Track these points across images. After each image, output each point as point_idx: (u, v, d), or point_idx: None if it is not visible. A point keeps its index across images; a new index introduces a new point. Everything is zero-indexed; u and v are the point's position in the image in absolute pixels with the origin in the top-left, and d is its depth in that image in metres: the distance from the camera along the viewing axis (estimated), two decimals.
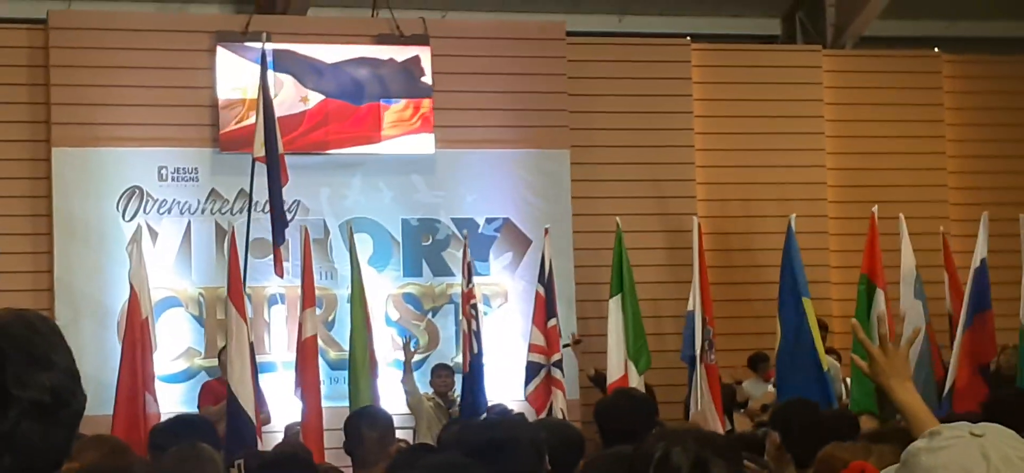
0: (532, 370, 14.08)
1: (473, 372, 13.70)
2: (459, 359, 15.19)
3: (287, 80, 15.09)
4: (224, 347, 13.76)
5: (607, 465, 4.25)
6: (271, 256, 13.36)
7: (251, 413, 11.53)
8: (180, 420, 7.02)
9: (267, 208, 13.09)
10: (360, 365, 12.44)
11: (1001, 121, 17.56)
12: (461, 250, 15.44)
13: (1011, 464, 2.53)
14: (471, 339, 13.76)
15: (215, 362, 14.64)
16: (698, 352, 13.43)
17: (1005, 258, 14.82)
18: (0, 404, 1.94)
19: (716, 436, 3.17)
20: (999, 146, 17.46)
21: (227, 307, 12.15)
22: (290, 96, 15.09)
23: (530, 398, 13.93)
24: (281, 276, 13.04)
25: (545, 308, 14.03)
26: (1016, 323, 13.53)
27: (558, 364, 14.00)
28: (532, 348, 14.12)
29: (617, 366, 13.88)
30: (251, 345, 11.96)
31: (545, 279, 14.15)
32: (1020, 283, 13.58)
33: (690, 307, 13.86)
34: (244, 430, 11.32)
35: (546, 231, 14.38)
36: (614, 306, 14.09)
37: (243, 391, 11.59)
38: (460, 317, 13.94)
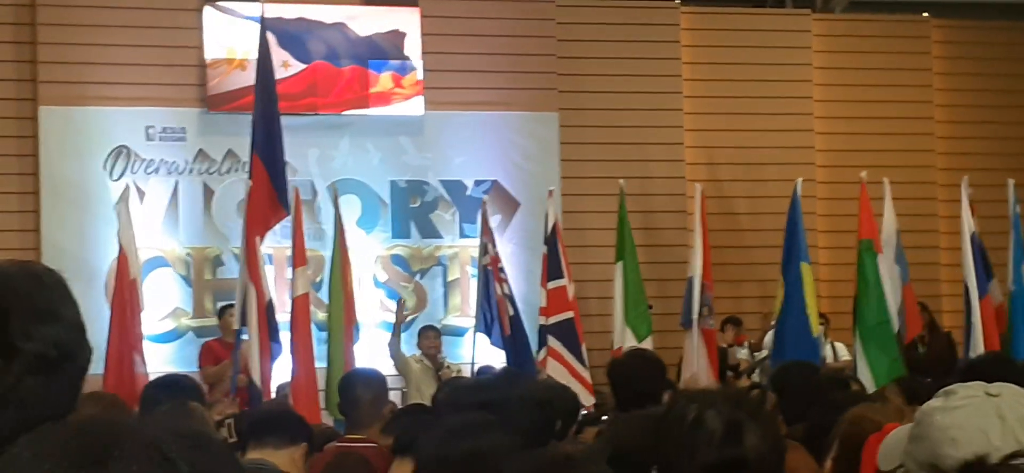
0: (541, 336, 13.88)
1: (514, 334, 13.56)
2: (448, 321, 15.19)
3: (275, 41, 14.99)
4: (225, 307, 13.74)
5: (629, 428, 4.24)
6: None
7: (256, 377, 11.50)
8: (168, 379, 7.02)
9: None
10: (336, 328, 12.40)
11: (989, 86, 17.56)
12: (450, 212, 15.43)
13: None
14: (506, 303, 13.63)
15: (203, 322, 14.63)
16: (695, 317, 13.40)
17: (993, 223, 14.83)
18: (5, 357, 1.92)
19: (747, 397, 3.14)
20: (987, 112, 17.47)
21: (241, 271, 12.03)
22: (277, 59, 14.99)
23: (541, 363, 13.68)
24: (260, 242, 12.82)
25: (547, 269, 13.89)
26: (1004, 289, 13.55)
27: (557, 328, 13.73)
28: (541, 311, 13.92)
29: (620, 333, 13.82)
30: (264, 308, 11.83)
31: (548, 240, 13.99)
32: (1008, 248, 13.61)
33: (691, 272, 13.81)
34: (255, 393, 11.32)
35: (550, 193, 14.26)
36: (618, 271, 14.02)
37: (253, 359, 11.56)
38: (492, 282, 13.73)
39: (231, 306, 13.44)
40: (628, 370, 6.59)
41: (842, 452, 3.38)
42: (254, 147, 12.32)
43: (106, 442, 1.43)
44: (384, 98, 15.37)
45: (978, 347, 12.71)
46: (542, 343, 13.71)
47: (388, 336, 13.94)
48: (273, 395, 12.42)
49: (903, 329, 13.23)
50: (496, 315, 13.74)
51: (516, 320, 13.68)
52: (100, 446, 1.42)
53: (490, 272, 13.78)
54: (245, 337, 11.94)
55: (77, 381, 2.01)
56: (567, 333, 13.66)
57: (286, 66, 15.08)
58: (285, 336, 12.32)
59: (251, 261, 11.80)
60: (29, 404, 1.92)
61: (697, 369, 13.09)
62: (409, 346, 14.20)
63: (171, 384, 6.84)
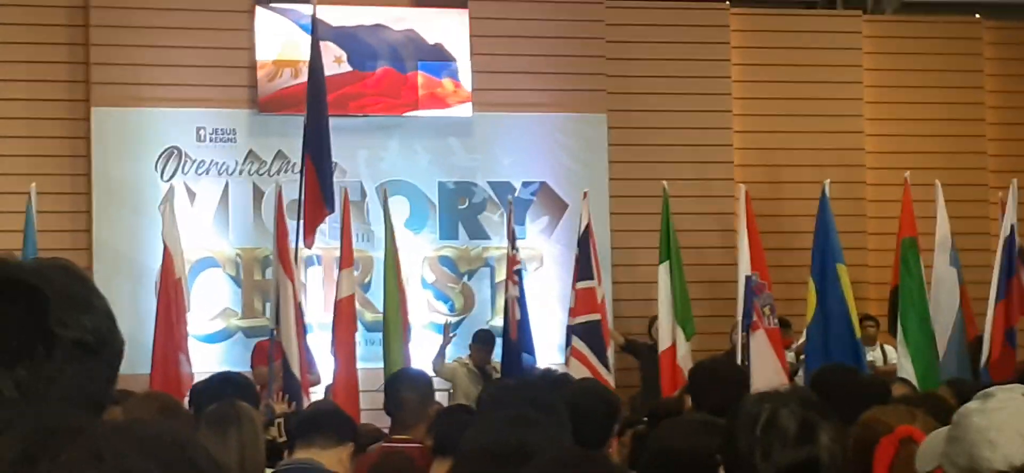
0: (567, 336, 14.02)
1: (520, 337, 13.65)
2: (495, 322, 15.20)
3: (324, 41, 15.08)
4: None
5: (685, 430, 4.24)
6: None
7: (298, 373, 11.59)
8: (220, 378, 7.08)
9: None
10: (393, 328, 12.47)
11: None
12: (498, 214, 15.45)
13: None
14: (515, 305, 13.71)
15: (253, 322, 14.71)
16: (741, 318, 13.33)
17: None
18: (45, 345, 1.95)
19: (817, 399, 3.16)
20: None
21: (275, 268, 12.16)
22: (327, 58, 15.06)
23: (567, 361, 13.83)
24: (310, 247, 12.94)
25: (578, 269, 13.96)
26: None
27: (583, 329, 13.75)
28: (569, 312, 14.07)
29: (668, 334, 13.80)
30: (298, 305, 11.97)
31: (580, 241, 14.08)
32: None
33: (739, 274, 13.77)
34: (294, 389, 11.39)
35: (585, 194, 14.33)
36: (663, 272, 14.01)
37: (291, 351, 11.66)
38: (505, 281, 13.84)
39: None
40: (712, 377, 6.58)
41: (855, 455, 3.39)
42: (306, 147, 12.43)
43: (50, 443, 1.46)
44: (433, 100, 15.40)
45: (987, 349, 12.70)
46: (567, 343, 13.81)
47: (434, 336, 14.01)
48: (314, 392, 12.51)
49: (962, 331, 13.16)
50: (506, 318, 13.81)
51: (523, 324, 13.68)
52: (41, 446, 1.46)
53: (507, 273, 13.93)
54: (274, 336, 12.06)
55: (113, 368, 2.05)
56: (593, 335, 13.74)
57: (338, 61, 15.15)
58: (324, 336, 12.40)
59: (284, 259, 11.91)
60: (71, 391, 1.96)
61: (767, 371, 12.90)
62: (460, 348, 14.27)
63: (223, 382, 6.89)
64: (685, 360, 13.44)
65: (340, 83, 15.10)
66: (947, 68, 17.16)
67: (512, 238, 14.09)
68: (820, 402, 3.18)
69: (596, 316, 13.78)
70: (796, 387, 4.92)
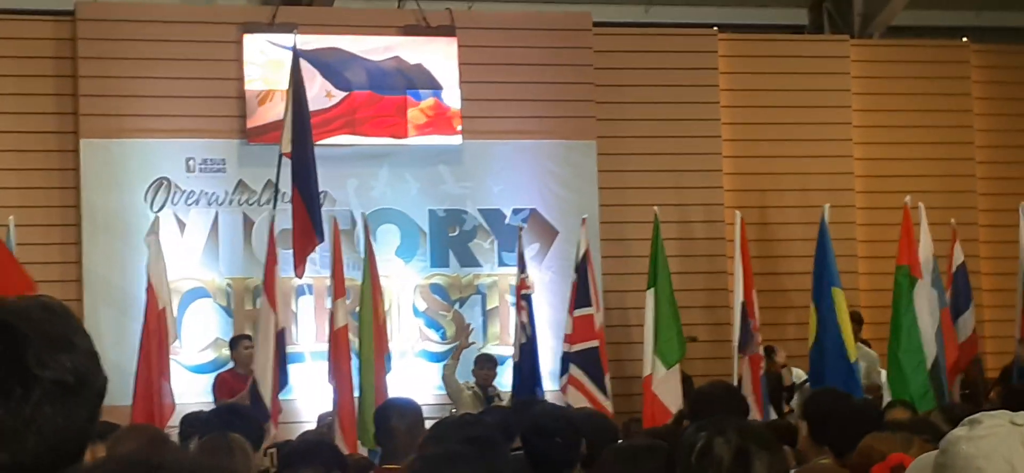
0: (564, 363, 13.99)
1: (525, 361, 13.68)
2: (487, 349, 15.18)
3: (313, 73, 15.10)
4: (236, 339, 13.87)
5: (636, 454, 4.24)
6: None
7: (268, 402, 11.61)
8: (226, 409, 7.08)
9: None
10: (367, 357, 12.44)
11: None
12: (488, 241, 15.45)
13: None
14: (521, 330, 13.76)
15: None
16: (735, 342, 13.38)
17: None
18: (23, 385, 1.94)
19: (759, 427, 3.15)
20: None
21: (261, 296, 12.20)
22: (316, 90, 15.09)
23: (563, 388, 13.80)
24: (301, 276, 12.97)
25: (576, 296, 13.97)
26: None
27: (580, 356, 13.78)
28: (566, 337, 14.05)
29: (648, 361, 13.81)
30: (279, 336, 11.98)
31: (578, 267, 14.07)
32: None
33: (736, 300, 13.81)
34: (263, 416, 11.38)
35: (584, 221, 14.34)
36: (650, 298, 14.02)
37: (264, 380, 11.68)
38: (512, 305, 13.87)
39: (245, 336, 13.62)
40: (708, 400, 6.57)
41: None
42: (293, 179, 12.46)
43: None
44: (422, 128, 15.41)
45: None
46: (564, 370, 13.79)
47: (425, 364, 14.00)
48: (314, 426, 12.50)
49: (941, 354, 13.16)
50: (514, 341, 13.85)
51: (528, 347, 13.71)
52: None
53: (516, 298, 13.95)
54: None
55: (95, 408, 2.03)
56: (591, 362, 13.73)
57: (330, 96, 15.16)
58: (314, 366, 12.41)
59: (268, 288, 11.95)
60: (48, 431, 1.95)
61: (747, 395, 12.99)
62: (465, 373, 14.29)
63: (230, 413, 6.88)
64: (662, 387, 13.46)
65: (332, 112, 15.11)
66: (935, 92, 17.20)
67: (521, 263, 14.11)
68: (761, 432, 3.18)
69: (595, 343, 13.79)
70: (732, 418, 4.91)
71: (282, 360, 12.03)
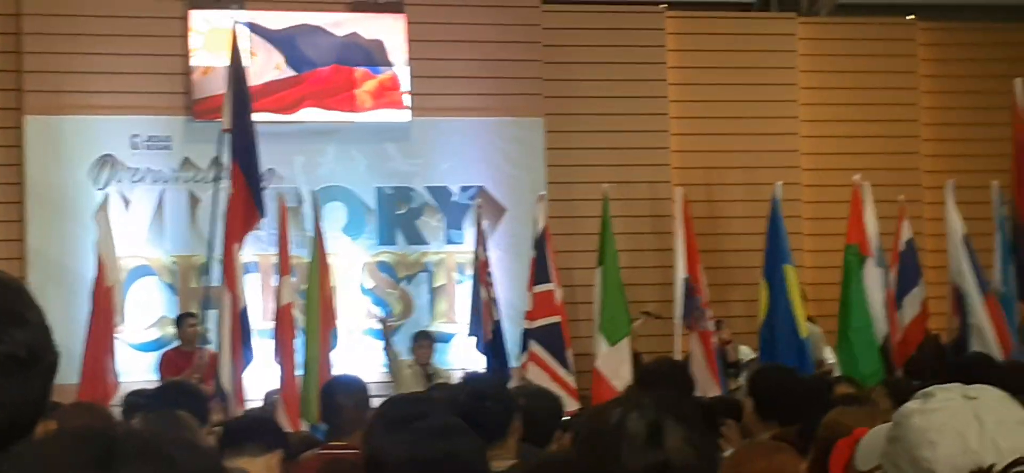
0: (524, 340, 13.90)
1: (496, 340, 13.63)
2: (434, 327, 15.16)
3: (262, 45, 15.01)
4: (183, 316, 13.78)
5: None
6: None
7: (230, 387, 11.55)
8: (173, 387, 7.04)
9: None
10: (312, 334, 12.40)
11: (975, 88, 17.57)
12: (436, 218, 15.43)
13: (1005, 427, 2.52)
14: (491, 306, 13.70)
15: None
16: (678, 319, 13.42)
17: (979, 225, 14.84)
18: None
19: (678, 401, 3.13)
20: (973, 113, 17.48)
21: (220, 277, 12.11)
22: (265, 63, 15.00)
23: (524, 366, 13.66)
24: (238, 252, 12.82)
25: (535, 273, 13.90)
26: (991, 291, 13.55)
27: (541, 332, 13.71)
28: (526, 314, 13.94)
29: (596, 337, 13.82)
30: (238, 317, 11.89)
31: (537, 244, 14.00)
32: (993, 251, 13.61)
33: (676, 276, 13.85)
34: (198, 393, 11.32)
35: (541, 197, 14.27)
36: (598, 277, 14.02)
37: (223, 363, 11.62)
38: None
39: (190, 315, 13.54)
40: (656, 376, 6.57)
41: (815, 456, 3.38)
42: (233, 155, 12.39)
43: (107, 445, 1.45)
44: (371, 104, 15.35)
45: (991, 346, 12.66)
46: (524, 347, 13.73)
47: (375, 342, 13.97)
48: (261, 403, 12.45)
49: (888, 334, 13.25)
50: (481, 319, 13.77)
51: (498, 325, 13.71)
52: (102, 449, 1.44)
53: (477, 276, 13.83)
54: (207, 346, 12.02)
55: (48, 382, 2.01)
56: (552, 337, 13.65)
57: (279, 68, 15.08)
58: (260, 343, 12.35)
59: (228, 267, 11.87)
60: (3, 406, 1.91)
61: (699, 372, 13.05)
62: (404, 351, 14.28)
63: (177, 391, 6.84)
64: (604, 364, 13.48)
65: (280, 87, 15.03)
66: (882, 69, 17.28)
67: (482, 241, 14.06)
68: (678, 404, 3.16)
69: (556, 318, 13.70)
70: (650, 391, 4.90)
71: (246, 337, 11.97)
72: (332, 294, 12.95)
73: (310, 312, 12.45)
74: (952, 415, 2.53)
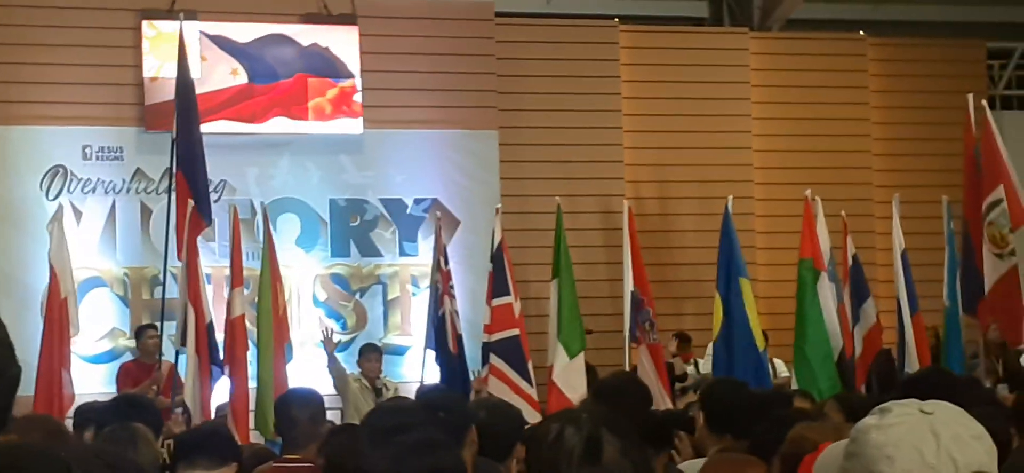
0: (484, 354, 13.80)
1: (461, 353, 13.55)
2: (388, 339, 15.13)
3: (216, 53, 14.96)
4: (142, 328, 13.67)
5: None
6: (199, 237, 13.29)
7: (190, 401, 11.50)
8: (124, 400, 6.98)
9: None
10: (265, 347, 12.34)
11: (925, 104, 17.70)
12: (390, 231, 15.41)
13: (961, 442, 2.54)
14: (455, 319, 13.61)
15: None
16: (629, 332, 13.43)
17: (928, 240, 14.97)
18: None
19: (614, 415, 3.15)
20: (923, 128, 17.61)
21: (182, 293, 12.01)
22: (220, 70, 14.95)
23: (484, 380, 13.56)
24: (181, 259, 12.70)
25: (492, 286, 13.81)
26: (940, 305, 13.65)
27: (501, 346, 13.61)
28: (485, 328, 13.83)
29: (552, 350, 13.77)
30: (204, 332, 11.81)
31: (494, 257, 13.90)
32: (943, 265, 13.71)
33: (624, 289, 13.87)
34: (189, 416, 11.33)
35: (497, 210, 14.20)
36: (553, 289, 13.98)
37: (193, 395, 11.55)
38: (440, 295, 13.70)
39: (151, 326, 13.44)
40: (615, 390, 6.56)
41: (782, 470, 3.40)
42: (179, 163, 12.35)
43: (14, 462, 1.43)
44: (324, 115, 15.32)
45: (913, 364, 12.82)
46: (485, 360, 13.65)
47: (326, 356, 13.91)
48: (213, 416, 12.37)
49: (843, 348, 13.32)
50: (445, 332, 13.67)
51: (461, 339, 13.66)
52: (8, 465, 1.43)
53: (440, 288, 13.76)
54: (167, 358, 11.96)
55: (8, 396, 2.01)
56: (512, 350, 13.55)
57: (235, 73, 15.04)
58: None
59: (192, 282, 11.80)
60: None
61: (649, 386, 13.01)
62: (351, 364, 14.16)
63: (127, 404, 6.79)
64: (562, 377, 13.45)
65: (236, 97, 14.98)
66: (833, 85, 17.40)
67: (443, 254, 13.96)
68: (615, 418, 3.18)
69: (515, 331, 13.60)
70: (590, 405, 4.91)
71: (213, 352, 11.90)
72: (286, 307, 12.90)
73: (263, 325, 12.39)
74: (909, 430, 2.54)
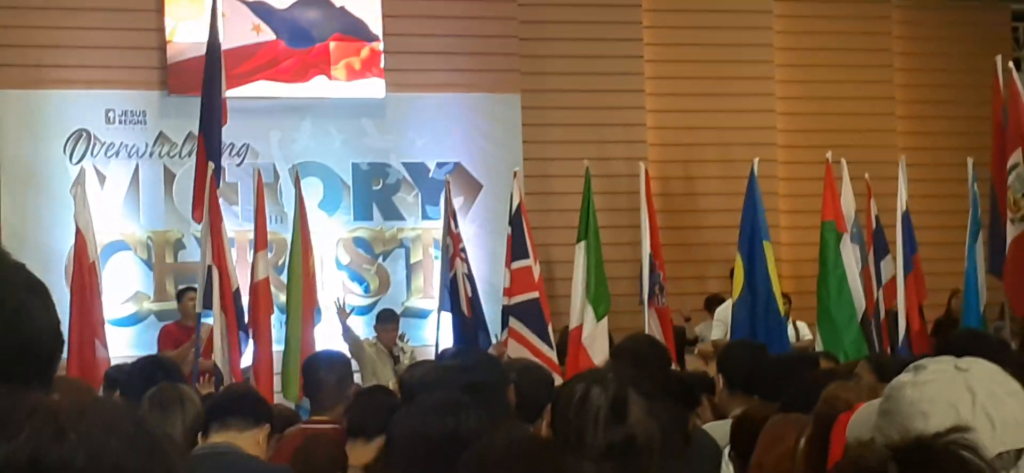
0: (503, 317, 13.79)
1: (475, 316, 13.52)
2: (411, 303, 15.15)
3: (239, 8, 14.94)
4: (184, 290, 13.64)
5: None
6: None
7: (221, 363, 11.52)
8: (150, 361, 7.01)
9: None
10: (294, 311, 12.36)
11: (949, 66, 17.63)
12: (412, 194, 15.41)
13: (996, 399, 2.54)
14: (466, 283, 13.58)
15: (165, 305, 14.55)
16: (647, 296, 13.41)
17: (953, 202, 14.93)
18: None
19: (640, 376, 3.15)
20: (947, 91, 17.54)
21: (204, 253, 12.02)
22: (242, 25, 14.94)
23: (504, 342, 13.56)
24: (198, 221, 12.69)
25: (511, 249, 13.79)
26: (961, 267, 13.62)
27: (520, 309, 13.60)
28: (504, 291, 13.81)
29: (578, 313, 13.74)
30: (229, 292, 11.83)
31: (513, 220, 13.88)
32: (966, 227, 13.68)
33: (643, 252, 13.84)
34: (220, 377, 11.37)
35: (515, 173, 14.15)
36: (580, 251, 13.93)
37: (222, 356, 11.58)
38: (452, 260, 13.67)
39: (190, 289, 13.40)
40: (635, 355, 6.55)
41: (815, 431, 3.39)
42: (200, 124, 12.40)
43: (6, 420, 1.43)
44: (346, 78, 15.31)
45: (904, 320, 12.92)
46: (504, 324, 13.63)
47: (354, 318, 13.92)
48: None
49: (866, 309, 13.31)
50: (458, 295, 13.66)
51: (474, 301, 13.62)
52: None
53: (450, 251, 13.75)
54: (207, 320, 11.94)
55: (49, 353, 2.04)
56: (531, 313, 13.53)
57: (257, 29, 15.03)
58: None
59: (216, 245, 11.80)
60: (39, 329, 1.94)
61: None
62: (369, 330, 14.16)
63: (154, 365, 6.82)
64: (592, 340, 13.42)
65: (255, 53, 14.94)
66: (857, 48, 17.32)
67: (453, 217, 13.91)
68: (640, 378, 3.18)
69: (534, 294, 13.58)
70: (615, 365, 4.90)
71: (240, 318, 11.91)
72: (314, 270, 12.91)
73: (293, 289, 12.40)
74: (944, 387, 2.55)
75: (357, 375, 12.95)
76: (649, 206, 13.78)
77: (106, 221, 14.23)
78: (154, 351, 13.05)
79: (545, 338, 13.40)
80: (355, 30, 15.36)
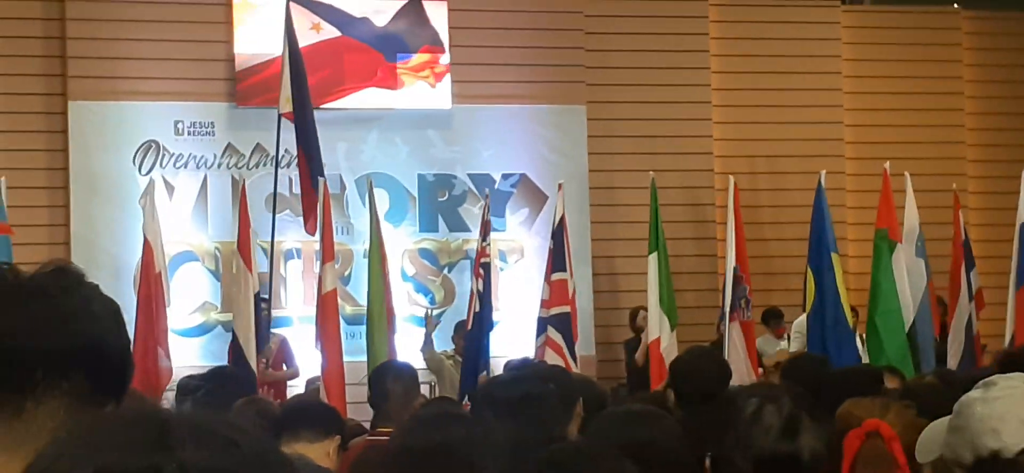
0: (541, 326, 13.84)
1: (477, 330, 13.48)
2: None
3: (297, 10, 14.99)
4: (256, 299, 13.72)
5: (618, 422, 4.20)
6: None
7: (252, 362, 11.59)
8: (227, 373, 7.07)
9: (292, 163, 13.21)
10: (377, 320, 12.39)
11: (1019, 77, 17.46)
12: (478, 205, 15.41)
13: None
14: (475, 297, 13.54)
15: (231, 316, 14.62)
16: (728, 309, 13.35)
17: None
18: None
19: (807, 396, 3.18)
20: (1017, 103, 17.37)
21: (235, 258, 12.16)
22: (302, 26, 14.99)
23: (538, 353, 13.60)
24: (313, 233, 12.86)
25: (552, 261, 13.81)
26: None
27: (557, 320, 13.61)
28: (543, 303, 13.85)
29: (655, 325, 13.73)
30: (257, 297, 11.99)
31: (555, 233, 13.91)
32: None
33: (727, 266, 13.75)
34: (247, 377, 11.40)
35: (560, 186, 14.17)
36: (652, 263, 13.93)
37: (247, 341, 11.67)
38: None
39: (262, 299, 13.50)
40: (692, 370, 6.54)
41: (834, 447, 3.40)
42: (298, 139, 12.53)
43: (159, 427, 1.43)
44: (412, 90, 15.36)
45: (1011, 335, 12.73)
46: (541, 332, 13.63)
47: (415, 329, 13.93)
48: (302, 390, 12.48)
49: (931, 322, 13.19)
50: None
51: (480, 317, 13.39)
52: (156, 431, 1.43)
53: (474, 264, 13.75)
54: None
55: (122, 365, 2.10)
56: (564, 327, 13.57)
57: (317, 28, 15.09)
58: (302, 330, 12.38)
59: (244, 250, 11.96)
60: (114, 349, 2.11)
61: (738, 363, 12.93)
62: (444, 340, 14.15)
63: (229, 377, 6.88)
64: (669, 351, 13.39)
65: (316, 56, 14.85)
66: (925, 59, 17.19)
67: (486, 231, 13.88)
68: (809, 400, 3.19)
69: (567, 308, 13.63)
70: (787, 385, 4.91)
71: (256, 322, 12.04)
72: (389, 281, 12.93)
73: (374, 299, 12.42)
74: (1014, 403, 2.53)
75: (426, 388, 12.98)
76: (737, 218, 13.73)
77: (174, 232, 14.36)
78: (220, 361, 13.14)
79: (572, 353, 13.41)
80: (421, 43, 15.39)
